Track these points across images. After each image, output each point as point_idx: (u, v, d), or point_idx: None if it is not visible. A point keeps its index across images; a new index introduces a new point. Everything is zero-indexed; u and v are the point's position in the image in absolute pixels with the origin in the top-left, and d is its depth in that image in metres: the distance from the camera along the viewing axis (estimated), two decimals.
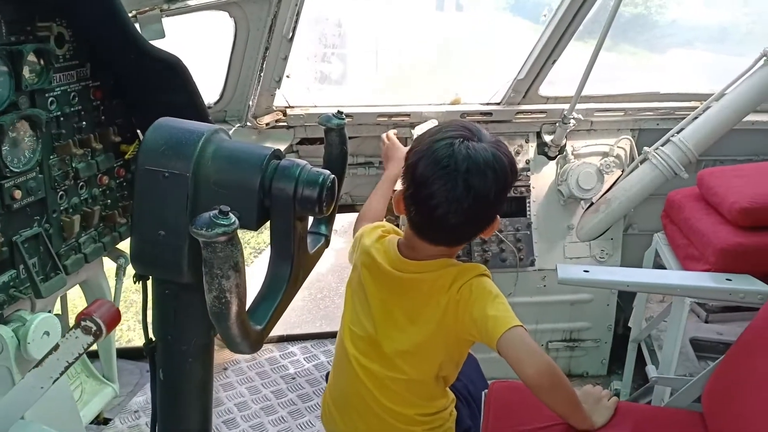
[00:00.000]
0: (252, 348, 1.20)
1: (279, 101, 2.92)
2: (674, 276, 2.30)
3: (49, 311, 1.94)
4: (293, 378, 3.16)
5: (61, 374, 1.20)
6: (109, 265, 2.35)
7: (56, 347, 1.15)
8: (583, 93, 2.95)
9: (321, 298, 5.36)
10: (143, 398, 2.90)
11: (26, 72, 1.66)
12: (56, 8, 1.73)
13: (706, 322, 2.99)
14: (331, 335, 3.54)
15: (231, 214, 1.02)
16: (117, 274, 2.39)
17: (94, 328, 1.10)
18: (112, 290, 2.39)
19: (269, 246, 1.35)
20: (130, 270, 2.51)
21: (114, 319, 1.12)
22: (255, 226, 1.26)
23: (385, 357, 1.73)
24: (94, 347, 2.41)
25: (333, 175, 1.27)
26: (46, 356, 1.16)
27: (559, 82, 3.23)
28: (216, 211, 1.01)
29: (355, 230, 1.99)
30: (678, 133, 2.99)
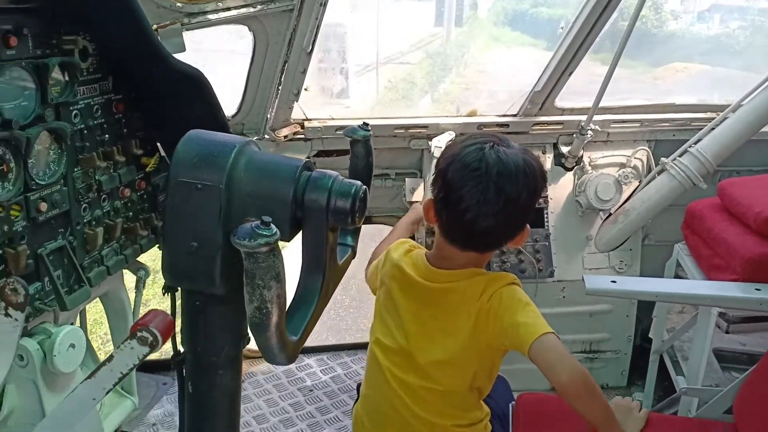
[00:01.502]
0: (289, 359, 1.19)
1: (296, 114, 2.93)
2: (702, 286, 2.28)
3: (71, 323, 1.93)
4: (311, 390, 3.15)
5: (114, 386, 1.18)
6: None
7: (110, 358, 1.13)
8: (600, 105, 2.95)
9: (325, 310, 5.36)
10: (161, 411, 2.89)
11: (51, 85, 1.66)
12: (81, 22, 1.73)
13: (727, 332, 2.97)
14: (347, 347, 3.53)
15: (272, 225, 1.01)
16: (137, 287, 2.37)
17: (150, 338, 1.08)
18: (132, 303, 2.38)
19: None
20: (149, 282, 2.50)
21: (168, 329, 1.11)
22: (288, 237, 1.25)
23: (419, 368, 1.72)
24: None
25: (365, 186, 1.26)
26: (99, 367, 1.14)
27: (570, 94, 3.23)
28: (258, 222, 1.01)
29: (370, 263, 2.00)
30: (695, 143, 2.98)
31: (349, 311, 5.20)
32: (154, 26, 2.17)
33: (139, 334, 1.07)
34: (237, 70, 2.74)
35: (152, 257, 2.32)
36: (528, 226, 1.70)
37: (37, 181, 1.64)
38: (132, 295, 2.40)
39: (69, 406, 1.25)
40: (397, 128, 3.06)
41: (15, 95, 1.55)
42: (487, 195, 1.55)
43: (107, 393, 1.19)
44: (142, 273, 2.33)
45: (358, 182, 1.25)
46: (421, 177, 3.18)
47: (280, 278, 1.05)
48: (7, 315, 1.22)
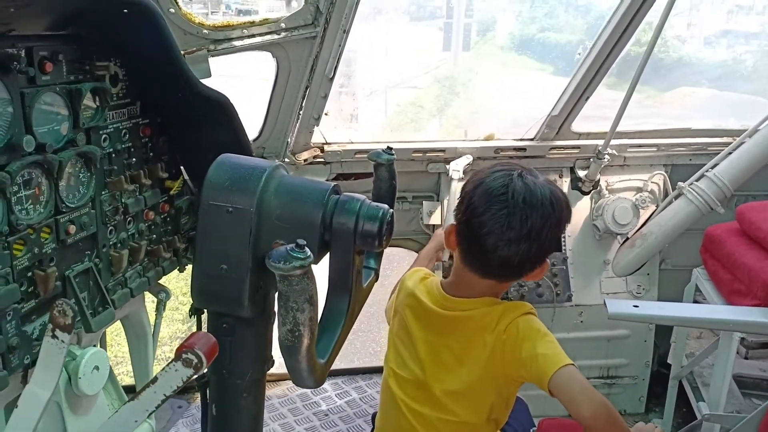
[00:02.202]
0: (317, 382, 1.20)
1: (316, 137, 2.96)
2: (725, 311, 2.27)
3: (94, 345, 1.94)
4: (326, 415, 3.13)
5: (157, 407, 1.19)
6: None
7: (154, 380, 1.13)
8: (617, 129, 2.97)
9: None
10: None
11: (82, 110, 1.70)
12: (114, 48, 1.77)
13: (746, 358, 2.95)
14: (362, 371, 3.52)
15: (306, 248, 1.03)
16: (157, 309, 2.39)
17: (195, 360, 1.08)
18: (152, 325, 2.39)
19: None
20: (169, 305, 2.50)
21: (212, 351, 1.11)
22: (315, 260, 1.27)
23: (435, 399, 1.70)
24: (131, 381, 2.42)
25: (391, 210, 1.28)
26: (143, 389, 1.14)
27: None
28: (293, 245, 1.02)
29: (391, 296, 1.98)
30: (712, 168, 2.99)
31: (358, 335, 5.20)
32: (182, 52, 2.21)
33: (184, 356, 1.08)
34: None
35: (167, 280, 2.33)
36: (547, 260, 1.68)
37: (67, 203, 1.66)
38: (151, 317, 2.41)
39: (111, 428, 1.25)
40: (415, 152, 3.09)
41: (49, 120, 1.59)
42: (512, 221, 1.55)
43: (149, 415, 1.20)
44: (163, 295, 2.34)
45: (386, 206, 1.27)
46: (438, 200, 3.19)
47: (313, 301, 1.06)
48: (54, 337, 1.24)
